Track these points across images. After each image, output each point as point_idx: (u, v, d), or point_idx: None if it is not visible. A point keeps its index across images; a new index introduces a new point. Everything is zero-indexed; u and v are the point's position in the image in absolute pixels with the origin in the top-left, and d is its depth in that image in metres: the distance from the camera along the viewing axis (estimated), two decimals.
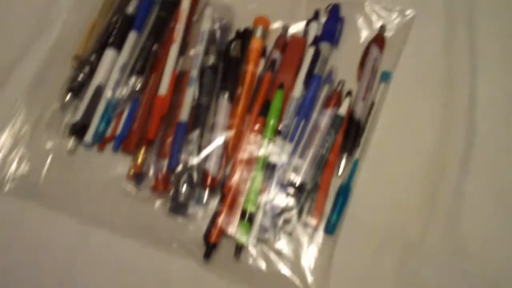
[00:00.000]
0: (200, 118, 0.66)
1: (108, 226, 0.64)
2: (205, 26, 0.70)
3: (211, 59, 0.69)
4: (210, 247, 0.62)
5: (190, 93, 0.67)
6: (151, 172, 0.65)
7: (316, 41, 0.70)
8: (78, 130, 0.67)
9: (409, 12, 0.72)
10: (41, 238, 0.65)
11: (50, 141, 0.68)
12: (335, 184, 0.65)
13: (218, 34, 0.70)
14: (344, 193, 0.64)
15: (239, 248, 0.62)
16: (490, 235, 0.64)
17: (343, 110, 0.67)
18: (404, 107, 0.69)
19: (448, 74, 0.70)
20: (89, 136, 0.67)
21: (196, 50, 0.69)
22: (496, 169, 0.66)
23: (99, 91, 0.68)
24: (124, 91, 0.68)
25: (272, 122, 0.66)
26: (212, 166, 0.64)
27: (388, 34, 0.71)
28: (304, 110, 0.67)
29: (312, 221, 0.63)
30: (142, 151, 0.66)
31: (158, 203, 0.65)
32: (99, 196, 0.66)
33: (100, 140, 0.68)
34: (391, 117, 0.68)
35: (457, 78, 0.70)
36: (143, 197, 0.65)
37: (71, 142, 0.67)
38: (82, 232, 0.64)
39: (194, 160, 0.64)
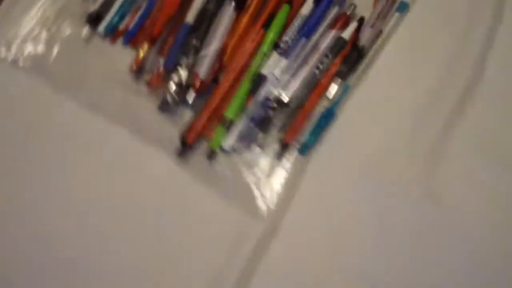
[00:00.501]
0: (204, 23, 0.67)
1: (103, 113, 0.67)
2: None
3: None
4: (184, 147, 0.64)
5: None
6: (149, 68, 0.67)
7: None
8: (94, 20, 0.70)
9: None
10: (41, 114, 0.68)
11: (69, 27, 0.71)
12: (321, 107, 0.64)
13: None
14: (326, 117, 0.63)
15: (212, 152, 0.63)
16: (466, 187, 0.61)
17: (347, 34, 0.65)
18: (412, 42, 0.66)
19: (469, 17, 0.66)
20: (102, 26, 0.69)
21: None
22: (490, 122, 0.63)
23: None
24: None
25: (271, 35, 0.65)
26: (203, 70, 0.65)
27: None
28: (308, 28, 0.65)
29: (288, 139, 0.63)
30: (145, 46, 0.67)
31: (150, 98, 0.67)
32: (101, 84, 0.68)
33: (113, 32, 0.70)
34: (396, 49, 0.65)
35: (477, 23, 0.66)
36: (138, 91, 0.67)
37: (85, 29, 0.70)
38: (80, 115, 0.67)
39: (189, 61, 0.65)
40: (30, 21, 0.72)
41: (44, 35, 0.70)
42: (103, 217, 0.64)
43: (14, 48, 0.70)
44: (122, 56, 0.69)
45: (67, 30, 0.71)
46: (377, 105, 0.64)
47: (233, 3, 0.66)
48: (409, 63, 0.65)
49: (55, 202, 0.65)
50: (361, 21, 0.65)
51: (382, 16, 0.65)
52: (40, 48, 0.70)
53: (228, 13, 0.66)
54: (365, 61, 0.65)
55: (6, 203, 0.66)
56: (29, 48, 0.70)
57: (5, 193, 0.66)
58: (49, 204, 0.65)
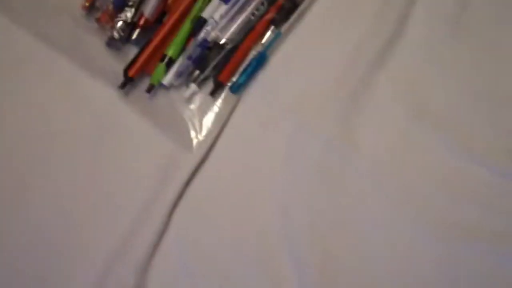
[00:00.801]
0: None
1: (53, 45, 0.71)
2: None
3: None
4: (126, 79, 0.69)
5: None
6: (99, 6, 0.72)
7: None
8: None
9: None
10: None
11: None
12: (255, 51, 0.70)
13: None
14: (258, 59, 0.69)
15: (151, 86, 0.69)
16: (382, 136, 0.67)
17: None
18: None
19: None
20: None
21: None
22: (408, 74, 0.69)
23: None
24: None
25: None
26: (148, 9, 0.70)
27: None
28: None
29: (222, 79, 0.68)
30: None
31: (99, 34, 0.71)
32: (54, 17, 0.73)
33: None
34: (327, 2, 0.71)
35: None
36: (88, 27, 0.72)
37: None
38: (32, 44, 0.71)
39: (135, 1, 0.70)
40: None
41: None
42: (44, 141, 0.69)
43: None
44: None
45: None
46: (305, 52, 0.70)
47: None
48: (338, 16, 0.71)
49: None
50: None
51: None
52: None
53: None
54: (298, 11, 0.70)
55: None
56: None
57: None
58: None
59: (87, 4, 0.72)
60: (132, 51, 0.71)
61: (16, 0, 0.74)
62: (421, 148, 0.67)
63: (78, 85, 0.71)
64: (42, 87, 0.71)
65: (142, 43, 0.71)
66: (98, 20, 0.71)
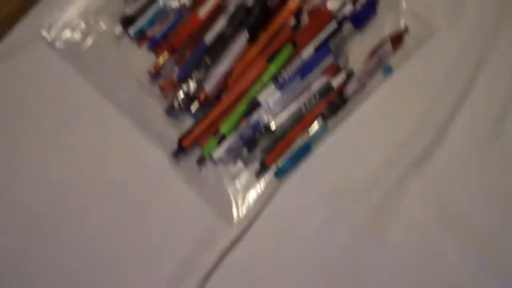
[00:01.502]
0: (219, 45, 0.77)
1: (116, 103, 0.78)
2: None
3: (250, 1, 0.79)
4: (180, 148, 0.75)
5: (221, 22, 0.78)
6: (164, 75, 0.78)
7: (343, 19, 0.78)
8: (127, 22, 0.81)
9: (435, 25, 0.79)
10: (65, 92, 0.80)
11: (105, 23, 0.82)
12: (301, 141, 0.75)
13: None
14: (304, 149, 0.74)
15: (202, 159, 0.75)
16: (411, 235, 0.72)
17: (336, 82, 0.76)
18: (389, 101, 0.77)
19: (439, 93, 0.77)
20: (133, 29, 0.80)
21: None
22: (443, 183, 0.74)
23: None
24: (174, 4, 0.81)
25: (272, 68, 0.76)
26: (209, 85, 0.76)
27: (407, 36, 0.78)
28: (304, 70, 0.76)
29: (267, 161, 0.74)
30: (165, 54, 0.78)
31: (160, 101, 0.77)
32: (120, 78, 0.79)
33: (141, 36, 0.81)
34: (375, 104, 0.77)
35: (446, 101, 0.76)
36: (151, 92, 0.78)
37: (118, 29, 0.81)
38: (96, 100, 0.78)
39: (199, 76, 0.76)
40: (73, 10, 0.83)
41: (82, 25, 0.81)
42: (96, 191, 0.75)
43: (54, 31, 0.81)
44: (144, 59, 0.80)
45: (103, 26, 0.82)
46: (348, 147, 0.75)
47: (247, 34, 0.78)
48: (383, 118, 0.77)
49: (54, 168, 0.77)
50: (350, 73, 0.76)
51: (369, 73, 0.76)
52: (77, 36, 0.81)
53: (241, 41, 0.77)
54: (347, 108, 0.76)
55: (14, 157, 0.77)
56: (67, 34, 0.81)
57: (15, 149, 0.78)
58: (51, 171, 0.77)
59: (153, 70, 0.79)
60: (188, 120, 0.77)
61: (88, 57, 0.80)
62: (444, 256, 0.72)
63: (134, 144, 0.77)
64: (100, 140, 0.78)
65: (198, 115, 0.77)
66: (161, 87, 0.78)
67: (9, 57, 0.82)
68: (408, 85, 0.78)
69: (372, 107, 0.76)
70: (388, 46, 0.77)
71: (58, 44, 0.81)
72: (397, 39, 0.78)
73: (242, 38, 0.78)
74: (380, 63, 0.77)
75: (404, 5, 0.80)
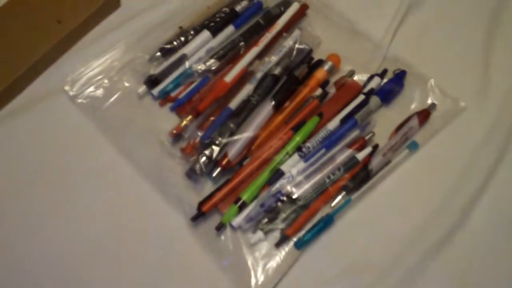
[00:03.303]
0: (244, 111, 0.77)
1: (135, 163, 0.77)
2: (287, 42, 0.81)
3: (277, 70, 0.79)
4: (199, 213, 0.73)
5: (247, 89, 0.78)
6: (187, 137, 0.77)
7: (370, 93, 0.78)
8: (151, 82, 0.80)
9: (462, 104, 0.79)
10: (83, 149, 0.78)
11: (128, 82, 0.81)
12: (324, 212, 0.74)
13: (294, 53, 0.81)
14: (325, 220, 0.72)
15: (221, 225, 0.72)
16: None
17: (361, 155, 0.75)
18: (414, 179, 0.76)
19: (464, 173, 0.76)
20: (157, 89, 0.80)
21: (270, 58, 0.80)
22: (464, 266, 0.72)
23: (182, 59, 0.81)
24: (200, 67, 0.81)
25: (297, 139, 0.75)
26: (233, 151, 0.75)
27: (435, 113, 0.78)
28: (330, 142, 0.75)
29: (289, 232, 0.72)
30: (189, 117, 0.77)
31: (180, 163, 0.76)
32: (141, 138, 0.78)
33: (164, 97, 0.80)
34: (399, 180, 0.75)
35: (471, 181, 0.76)
36: (172, 153, 0.77)
37: (142, 88, 0.80)
38: (115, 158, 0.77)
39: (222, 141, 0.75)
40: (97, 66, 0.83)
41: (105, 82, 0.81)
42: (109, 255, 0.73)
43: (77, 86, 0.81)
44: (166, 120, 0.80)
45: (126, 83, 0.81)
46: (371, 221, 0.74)
47: (273, 102, 0.77)
48: (407, 194, 0.75)
49: (70, 227, 0.74)
50: (375, 147, 0.76)
51: (394, 148, 0.75)
52: (99, 92, 0.81)
53: (267, 109, 0.77)
54: (371, 182, 0.74)
55: (31, 212, 0.75)
56: (90, 90, 0.81)
57: (33, 204, 0.76)
58: (62, 230, 0.74)
59: (175, 131, 0.78)
60: (208, 185, 0.76)
61: (110, 114, 0.80)
62: None
63: (152, 206, 0.76)
64: (117, 200, 0.76)
65: (218, 181, 0.76)
66: (183, 150, 0.76)
67: (29, 108, 0.81)
68: (433, 162, 0.77)
69: (396, 182, 0.75)
70: (414, 121, 0.77)
71: (79, 99, 0.80)
72: (424, 115, 0.77)
73: (268, 106, 0.77)
74: (406, 139, 0.76)
75: (432, 82, 0.80)
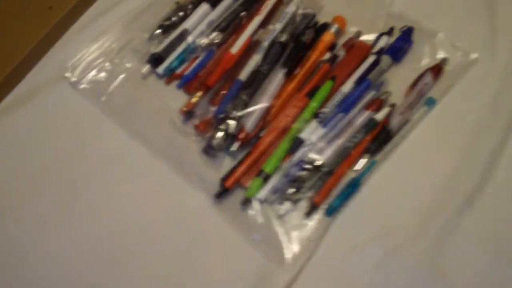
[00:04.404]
0: (255, 82, 0.75)
1: (149, 145, 0.74)
2: (290, 8, 0.79)
3: (284, 37, 0.77)
4: (223, 189, 0.71)
5: (256, 59, 0.76)
6: (199, 114, 0.75)
7: (380, 52, 0.77)
8: (155, 60, 0.78)
9: (473, 55, 0.78)
10: (91, 136, 0.76)
11: (130, 62, 0.79)
12: (349, 177, 0.72)
13: (298, 19, 0.79)
14: (353, 185, 0.71)
15: (247, 200, 0.71)
16: (468, 270, 0.69)
17: (380, 116, 0.73)
18: (435, 135, 0.75)
19: (485, 123, 0.75)
20: (161, 67, 0.77)
21: (274, 26, 0.78)
22: (494, 217, 0.71)
23: (183, 34, 0.79)
24: (204, 41, 0.78)
25: (314, 104, 0.74)
26: (249, 123, 0.73)
27: (447, 67, 0.77)
28: (346, 105, 0.74)
29: (317, 200, 0.70)
30: (199, 93, 0.75)
31: (195, 140, 0.74)
32: (151, 119, 0.76)
33: (170, 75, 0.78)
34: (420, 137, 0.74)
35: (493, 131, 0.75)
36: (185, 131, 0.74)
37: (145, 68, 0.78)
38: (127, 143, 0.75)
39: (237, 114, 0.73)
40: (96, 49, 0.80)
41: (107, 65, 0.78)
42: (134, 236, 0.71)
43: (77, 71, 0.78)
44: (174, 97, 0.77)
45: (128, 65, 0.79)
46: (397, 182, 0.72)
47: (284, 70, 0.75)
48: (431, 151, 0.74)
49: (88, 221, 0.72)
50: (392, 107, 0.75)
51: (411, 106, 0.74)
52: (102, 76, 0.78)
53: (278, 77, 0.75)
54: (393, 141, 0.73)
55: (44, 211, 0.72)
56: (91, 74, 0.78)
57: (44, 202, 0.73)
58: (82, 221, 0.72)
59: (185, 109, 0.75)
60: (226, 160, 0.74)
61: (114, 98, 0.77)
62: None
63: (171, 187, 0.73)
64: (135, 185, 0.74)
65: (236, 155, 0.74)
66: (196, 127, 0.74)
67: (28, 99, 0.78)
68: (452, 116, 0.76)
69: (417, 140, 0.74)
70: (428, 77, 0.75)
71: (82, 85, 0.77)
72: (437, 70, 0.76)
73: (279, 74, 0.75)
74: (421, 95, 0.75)
75: (440, 36, 0.79)
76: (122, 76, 0.78)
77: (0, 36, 0.79)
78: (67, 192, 0.73)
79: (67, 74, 0.78)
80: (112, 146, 0.75)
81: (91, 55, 0.79)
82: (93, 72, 0.78)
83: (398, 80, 0.77)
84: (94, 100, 0.77)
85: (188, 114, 0.75)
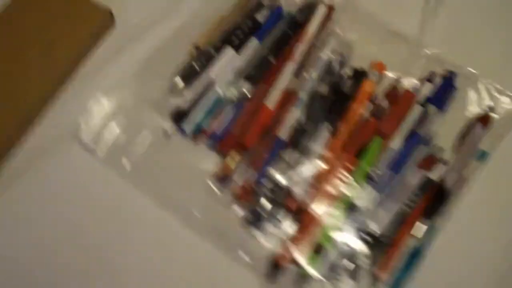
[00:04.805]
0: (300, 142, 0.67)
1: (183, 218, 0.65)
2: (325, 54, 0.72)
3: (324, 88, 0.70)
4: (275, 269, 0.63)
5: (295, 114, 0.69)
6: (237, 179, 0.67)
7: (426, 102, 0.71)
8: (180, 117, 0.69)
9: None
10: (119, 210, 0.66)
11: (149, 118, 0.69)
12: (409, 244, 0.66)
13: (335, 66, 0.72)
14: (416, 255, 0.65)
15: (303, 279, 0.64)
16: None
17: (435, 175, 0.68)
18: (493, 190, 0.70)
19: None
20: (188, 125, 0.68)
21: (311, 75, 0.71)
22: None
23: (210, 85, 0.70)
24: (233, 93, 0.70)
25: (365, 166, 0.67)
26: (298, 190, 0.66)
27: (495, 115, 0.72)
28: (398, 164, 0.68)
29: (380, 274, 0.64)
30: (235, 155, 0.67)
31: (236, 210, 0.66)
32: (181, 186, 0.67)
33: (197, 133, 0.69)
34: (478, 197, 0.69)
35: None
36: (223, 200, 0.66)
37: (170, 126, 0.69)
38: (157, 215, 0.65)
39: (283, 180, 0.66)
40: (109, 103, 0.70)
41: (123, 121, 0.69)
42: None
43: (91, 131, 0.68)
44: (205, 158, 0.69)
45: (148, 120, 0.69)
46: (459, 247, 0.67)
47: (329, 126, 0.68)
48: (491, 209, 0.69)
49: None
50: (444, 163, 0.69)
51: (465, 163, 0.69)
52: (119, 135, 0.68)
53: (323, 135, 0.68)
54: (450, 202, 0.67)
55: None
56: (107, 134, 0.68)
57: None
58: None
59: (221, 173, 0.67)
60: (272, 232, 0.65)
61: (138, 163, 0.67)
62: None
63: (213, 265, 0.64)
64: (171, 263, 0.64)
65: (282, 225, 0.65)
66: (236, 195, 0.66)
67: (37, 162, 0.67)
68: (509, 169, 0.71)
69: (476, 198, 0.68)
70: (478, 128, 0.70)
71: (98, 148, 0.67)
72: (486, 120, 0.71)
73: (324, 131, 0.68)
74: (473, 149, 0.70)
75: (482, 80, 0.74)
76: (142, 134, 0.68)
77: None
78: (96, 274, 0.64)
79: (81, 136, 0.68)
80: (139, 218, 0.66)
81: (102, 111, 0.69)
82: (109, 131, 0.68)
83: (444, 132, 0.71)
84: (112, 164, 0.67)
85: (225, 179, 0.68)
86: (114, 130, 0.68)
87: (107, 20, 0.73)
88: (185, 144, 0.69)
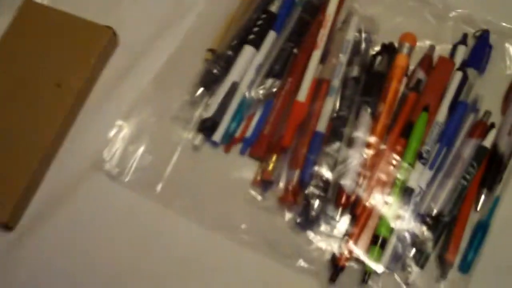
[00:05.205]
0: (340, 131, 0.63)
1: (228, 232, 0.62)
2: (350, 35, 0.67)
3: (355, 71, 0.65)
4: (337, 270, 0.59)
5: (330, 103, 0.64)
6: (280, 182, 0.62)
7: (464, 66, 0.67)
8: (207, 128, 0.64)
9: None
10: (159, 236, 0.62)
11: (176, 135, 0.65)
12: (472, 220, 0.62)
13: (362, 45, 0.68)
14: (482, 230, 0.61)
15: (368, 275, 0.59)
16: None
17: (488, 142, 0.63)
18: None
19: None
20: (218, 135, 0.64)
21: (339, 59, 0.66)
22: None
23: (234, 88, 0.66)
24: (259, 92, 0.66)
25: (414, 145, 0.63)
26: (348, 183, 0.61)
27: None
28: (448, 137, 0.64)
29: (449, 257, 0.60)
30: (274, 158, 0.63)
31: (285, 215, 0.62)
32: (221, 199, 0.63)
33: (229, 141, 0.65)
34: None
35: None
36: (268, 207, 0.62)
37: (198, 138, 0.64)
38: (200, 235, 0.62)
39: (330, 175, 0.61)
40: (127, 126, 0.65)
41: (148, 143, 0.64)
42: None
43: (115, 158, 0.64)
44: (240, 166, 0.65)
45: (173, 137, 0.65)
46: None
47: (369, 110, 0.64)
48: None
49: None
50: (492, 126, 0.64)
51: None
52: (145, 158, 0.64)
53: (364, 120, 0.63)
54: (507, 170, 0.63)
55: None
56: (133, 159, 0.64)
57: None
58: None
59: (261, 178, 0.63)
60: (324, 231, 0.61)
61: (171, 185, 0.63)
62: None
63: (271, 279, 0.61)
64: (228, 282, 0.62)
65: (334, 221, 0.61)
66: (282, 199, 0.62)
67: (62, 197, 0.63)
68: None
69: None
70: None
71: (128, 178, 0.63)
72: None
73: (365, 116, 0.63)
74: None
75: None
76: (168, 151, 0.64)
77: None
78: None
79: (103, 164, 0.63)
80: (182, 243, 0.62)
81: (126, 138, 0.65)
82: (136, 157, 0.64)
83: (488, 94, 0.67)
84: (146, 191, 0.63)
85: (266, 184, 0.63)
86: (137, 152, 0.64)
87: (111, 39, 0.69)
88: (216, 155, 0.65)
